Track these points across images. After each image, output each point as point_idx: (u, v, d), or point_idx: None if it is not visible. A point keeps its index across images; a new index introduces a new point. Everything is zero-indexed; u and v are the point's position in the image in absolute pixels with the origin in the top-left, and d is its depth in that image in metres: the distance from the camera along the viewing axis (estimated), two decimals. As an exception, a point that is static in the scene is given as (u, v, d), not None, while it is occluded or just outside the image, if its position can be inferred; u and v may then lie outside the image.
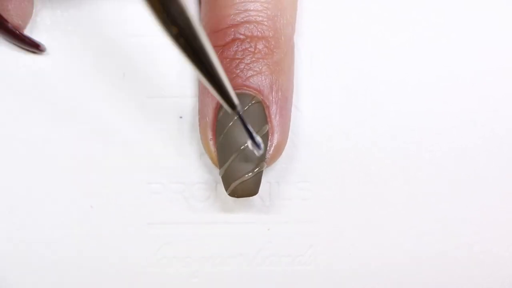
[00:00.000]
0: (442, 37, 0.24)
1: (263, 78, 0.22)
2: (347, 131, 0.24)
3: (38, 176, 0.24)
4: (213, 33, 0.22)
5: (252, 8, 0.22)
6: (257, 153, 0.20)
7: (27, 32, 0.24)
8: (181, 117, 0.24)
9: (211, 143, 0.22)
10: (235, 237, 0.24)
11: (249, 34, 0.22)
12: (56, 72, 0.24)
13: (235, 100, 0.18)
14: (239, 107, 0.18)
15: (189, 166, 0.24)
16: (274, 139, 0.22)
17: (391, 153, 0.24)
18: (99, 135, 0.24)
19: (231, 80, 0.22)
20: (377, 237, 0.24)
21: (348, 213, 0.24)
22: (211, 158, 0.23)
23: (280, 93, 0.22)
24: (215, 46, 0.22)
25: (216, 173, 0.24)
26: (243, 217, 0.24)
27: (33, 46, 0.24)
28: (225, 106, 0.18)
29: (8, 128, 0.24)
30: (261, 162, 0.21)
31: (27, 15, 0.24)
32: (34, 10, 0.24)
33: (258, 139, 0.20)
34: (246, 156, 0.21)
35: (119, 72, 0.24)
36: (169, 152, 0.24)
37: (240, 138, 0.21)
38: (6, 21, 0.23)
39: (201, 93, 0.23)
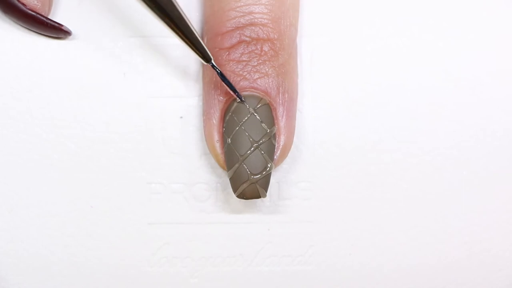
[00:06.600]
0: (444, 39, 0.24)
1: (270, 80, 0.22)
2: (348, 131, 0.24)
3: (38, 176, 0.24)
4: (217, 36, 0.22)
5: (256, 11, 0.22)
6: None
7: None
8: (181, 117, 0.24)
9: (217, 145, 0.22)
10: (235, 237, 0.24)
11: (255, 36, 0.22)
12: (56, 72, 0.24)
13: (208, 51, 0.21)
14: (213, 60, 0.21)
15: (190, 166, 0.24)
16: (281, 141, 0.22)
17: (392, 154, 0.24)
18: (99, 135, 0.24)
19: (238, 82, 0.22)
20: (377, 237, 0.24)
21: (348, 213, 0.24)
22: (217, 160, 0.23)
23: (286, 95, 0.22)
24: (220, 49, 0.22)
25: (217, 173, 0.24)
26: (243, 217, 0.24)
27: (57, 30, 0.22)
28: (199, 58, 0.21)
29: (8, 128, 0.24)
30: (269, 164, 0.22)
31: None
32: None
33: (240, 95, 0.22)
34: (254, 159, 0.21)
35: (119, 72, 0.24)
36: (169, 152, 0.24)
37: (248, 141, 0.21)
38: (23, 4, 0.21)
39: (207, 94, 0.23)
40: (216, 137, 0.22)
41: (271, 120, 0.22)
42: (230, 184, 0.22)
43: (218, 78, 0.22)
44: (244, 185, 0.22)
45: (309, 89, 0.24)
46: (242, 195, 0.22)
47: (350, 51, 0.24)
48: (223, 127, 0.22)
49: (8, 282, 0.24)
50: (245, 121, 0.22)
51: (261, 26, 0.22)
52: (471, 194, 0.24)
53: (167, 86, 0.24)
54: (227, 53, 0.22)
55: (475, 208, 0.24)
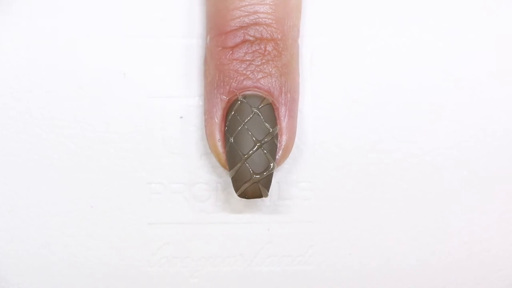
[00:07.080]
0: (444, 39, 0.24)
1: (273, 80, 0.22)
2: (348, 131, 0.24)
3: (38, 176, 0.24)
4: (221, 35, 0.22)
5: (261, 11, 0.22)
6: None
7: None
8: (181, 117, 0.24)
9: (219, 144, 0.22)
10: (235, 237, 0.24)
11: (259, 36, 0.22)
12: (56, 72, 0.24)
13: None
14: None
15: (190, 166, 0.24)
16: (283, 141, 0.22)
17: (392, 154, 0.24)
18: (99, 135, 0.24)
19: (241, 81, 0.22)
20: (377, 237, 0.24)
21: (348, 213, 0.24)
22: (219, 160, 0.23)
23: (289, 95, 0.22)
24: (223, 48, 0.22)
25: (217, 173, 0.24)
26: (243, 217, 0.24)
27: None
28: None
29: (8, 128, 0.24)
30: (272, 163, 0.22)
31: None
32: None
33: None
34: (256, 158, 0.21)
35: (119, 72, 0.24)
36: (169, 152, 0.24)
37: (251, 140, 0.21)
38: None
39: (209, 93, 0.23)
40: (218, 136, 0.22)
41: (274, 120, 0.22)
42: (230, 184, 0.22)
43: (221, 77, 0.22)
44: (246, 185, 0.22)
45: (309, 89, 0.24)
46: (244, 195, 0.22)
47: (350, 51, 0.24)
48: (225, 126, 0.22)
49: (8, 282, 0.24)
50: (248, 121, 0.22)
51: (265, 26, 0.22)
52: (471, 194, 0.24)
53: (167, 86, 0.24)
54: (231, 52, 0.22)
55: (475, 208, 0.24)
